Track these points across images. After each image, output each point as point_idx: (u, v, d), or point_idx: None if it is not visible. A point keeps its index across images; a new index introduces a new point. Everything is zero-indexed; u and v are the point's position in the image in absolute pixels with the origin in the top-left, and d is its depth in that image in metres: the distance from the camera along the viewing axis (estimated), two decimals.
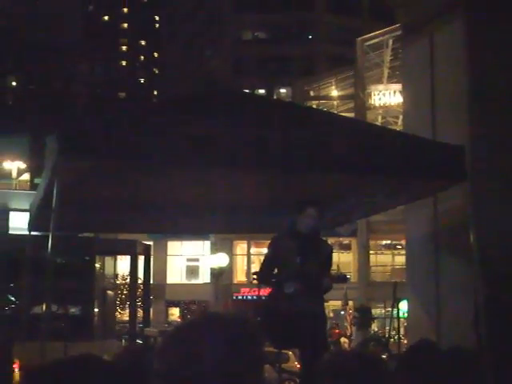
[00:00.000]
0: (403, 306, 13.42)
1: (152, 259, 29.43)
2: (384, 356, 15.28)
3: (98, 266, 29.14)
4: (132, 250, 25.71)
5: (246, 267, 51.33)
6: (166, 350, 1.91)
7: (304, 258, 7.60)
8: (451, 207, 9.41)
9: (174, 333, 1.94)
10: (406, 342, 15.25)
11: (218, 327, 1.89)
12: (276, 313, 7.50)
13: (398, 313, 11.66)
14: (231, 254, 47.62)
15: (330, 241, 8.44)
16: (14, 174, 44.74)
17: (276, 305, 7.61)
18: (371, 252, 45.99)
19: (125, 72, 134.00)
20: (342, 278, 8.21)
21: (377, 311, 42.34)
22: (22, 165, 45.54)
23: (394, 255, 46.42)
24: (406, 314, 15.01)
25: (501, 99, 9.62)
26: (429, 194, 9.47)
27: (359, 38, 46.44)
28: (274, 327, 7.24)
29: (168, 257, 52.54)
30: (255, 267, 46.78)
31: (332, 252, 8.17)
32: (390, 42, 42.46)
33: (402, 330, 13.78)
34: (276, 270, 7.85)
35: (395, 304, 11.51)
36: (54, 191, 6.72)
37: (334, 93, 53.06)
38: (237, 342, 1.87)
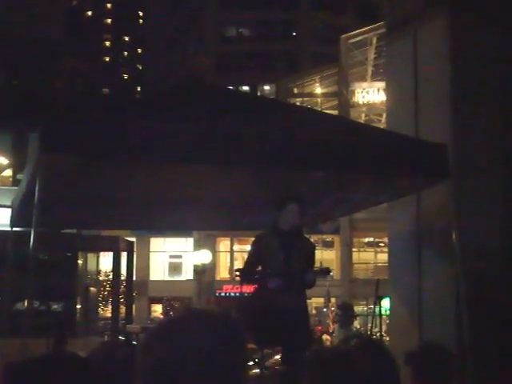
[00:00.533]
0: (385, 303, 13.44)
1: (135, 256, 29.37)
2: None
3: (80, 262, 29.04)
4: (115, 247, 25.62)
5: (228, 264, 51.37)
6: (149, 346, 1.90)
7: (287, 254, 7.62)
8: (434, 205, 9.43)
9: (158, 328, 1.93)
10: (388, 339, 15.29)
11: (202, 323, 1.88)
12: (260, 310, 7.51)
13: (380, 310, 11.67)
14: (214, 251, 47.64)
15: (313, 238, 8.47)
16: None
17: (259, 302, 7.62)
18: (354, 249, 46.09)
19: (108, 68, 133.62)
20: (325, 271, 8.24)
21: (359, 308, 42.38)
22: (5, 160, 45.30)
23: (376, 253, 46.56)
24: (388, 312, 15.05)
25: (485, 97, 9.65)
26: (411, 192, 9.50)
27: (343, 36, 46.50)
28: (258, 325, 7.24)
29: (151, 253, 52.50)
30: (238, 264, 46.79)
31: (315, 249, 8.20)
32: (374, 39, 42.55)
33: (384, 328, 13.81)
34: (260, 268, 7.86)
35: (377, 301, 11.53)
36: (36, 188, 6.69)
37: (318, 90, 53.11)
38: (220, 337, 1.87)
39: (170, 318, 1.99)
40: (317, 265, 8.27)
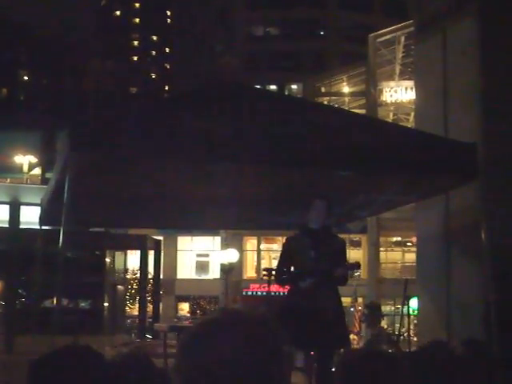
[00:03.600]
0: (413, 303, 13.40)
1: (162, 254, 29.49)
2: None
3: (108, 260, 29.21)
4: (142, 245, 25.79)
5: (255, 263, 51.34)
6: (187, 347, 1.89)
7: (317, 252, 7.64)
8: (463, 204, 9.38)
9: (196, 329, 1.92)
10: (416, 339, 15.22)
11: (241, 324, 1.87)
12: (294, 312, 7.51)
13: (408, 310, 11.64)
14: (241, 250, 47.60)
15: (340, 237, 8.43)
16: (26, 168, 44.82)
17: (293, 303, 7.64)
18: (381, 249, 45.87)
19: (136, 67, 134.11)
20: (356, 266, 8.27)
21: (386, 308, 42.22)
22: (34, 159, 45.63)
23: (404, 252, 46.33)
24: (415, 312, 14.98)
25: None
26: (440, 192, 9.44)
27: (371, 35, 46.30)
28: (293, 327, 7.21)
29: (178, 252, 52.59)
30: (265, 263, 46.78)
31: (345, 246, 8.22)
32: (402, 38, 42.32)
33: (411, 327, 13.77)
34: (292, 268, 7.88)
35: (405, 301, 11.48)
36: (66, 186, 6.73)
37: (346, 89, 52.95)
38: (259, 339, 1.85)
39: (208, 319, 1.97)
40: None
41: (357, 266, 8.31)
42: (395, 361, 3.00)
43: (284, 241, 8.21)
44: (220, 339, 1.83)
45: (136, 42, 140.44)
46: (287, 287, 7.98)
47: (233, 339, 1.82)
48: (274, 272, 8.00)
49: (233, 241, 44.82)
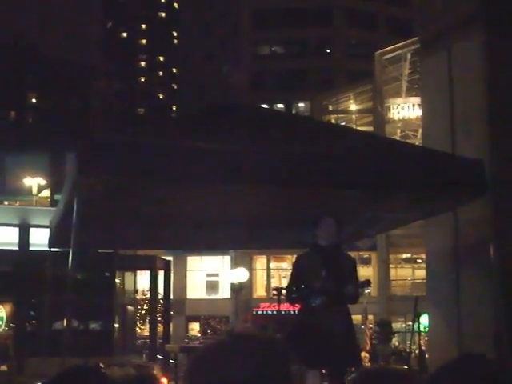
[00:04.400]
0: (424, 319, 13.35)
1: (172, 274, 29.46)
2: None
3: (118, 281, 29.22)
4: (152, 266, 25.80)
5: (265, 282, 51.22)
6: (193, 372, 1.90)
7: (328, 270, 7.63)
8: (472, 221, 9.36)
9: (201, 354, 1.92)
10: (427, 356, 15.17)
11: (246, 348, 1.87)
12: (304, 331, 7.50)
13: (418, 327, 11.60)
14: (251, 269, 47.56)
15: (351, 255, 8.44)
16: (35, 191, 44.93)
17: (304, 322, 7.63)
18: (391, 266, 45.77)
19: (144, 88, 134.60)
20: (366, 284, 8.24)
21: (397, 325, 42.07)
22: (43, 181, 45.74)
23: (414, 269, 46.16)
24: (426, 329, 14.93)
25: None
26: (449, 209, 9.42)
27: (377, 52, 46.42)
28: (304, 346, 7.20)
29: (188, 272, 52.53)
30: (275, 282, 46.71)
31: (356, 264, 8.21)
32: (409, 55, 42.42)
33: (422, 344, 13.71)
34: (303, 286, 7.86)
35: (416, 318, 11.44)
36: (74, 208, 6.75)
37: (353, 107, 53.03)
38: (265, 361, 1.86)
39: (213, 343, 1.98)
40: None
41: (367, 283, 8.30)
42: (409, 379, 2.99)
43: (294, 259, 8.20)
44: (227, 363, 1.83)
45: (143, 63, 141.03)
46: (298, 306, 7.98)
47: (240, 362, 1.82)
48: (283, 291, 8.00)
49: (242, 260, 44.81)
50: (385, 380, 2.91)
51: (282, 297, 8.00)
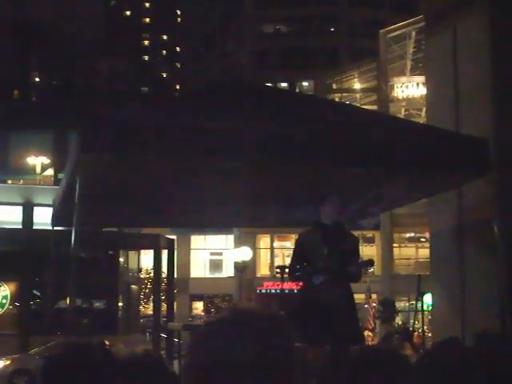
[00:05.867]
0: (427, 299, 13.36)
1: (175, 253, 29.50)
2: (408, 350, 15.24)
3: (121, 260, 29.29)
4: (155, 245, 25.83)
5: (269, 261, 51.32)
6: (195, 347, 1.89)
7: (330, 248, 7.63)
8: (476, 200, 9.33)
9: (204, 329, 1.92)
10: (430, 335, 15.19)
11: (249, 323, 1.86)
12: (307, 307, 7.52)
13: (422, 306, 11.62)
14: (254, 248, 47.61)
15: (353, 234, 8.42)
16: (38, 170, 44.99)
17: (306, 299, 7.63)
18: (395, 245, 45.77)
19: (147, 67, 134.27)
20: (369, 263, 8.23)
21: (401, 304, 42.15)
22: (46, 160, 45.77)
23: (417, 248, 46.19)
24: (430, 307, 14.95)
25: None
26: (452, 187, 9.40)
27: (382, 30, 46.20)
28: (306, 323, 7.21)
29: (191, 251, 52.64)
30: (278, 261, 46.77)
31: (358, 242, 8.21)
32: (413, 33, 42.21)
33: (425, 323, 13.72)
34: (305, 264, 7.86)
35: (419, 297, 11.45)
36: (77, 187, 6.73)
37: (357, 85, 52.85)
38: (268, 337, 1.85)
39: (216, 318, 1.97)
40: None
41: (370, 263, 8.28)
42: (406, 360, 2.98)
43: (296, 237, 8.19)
44: (229, 338, 1.83)
45: (146, 42, 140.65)
46: (300, 284, 7.98)
47: (241, 337, 1.82)
48: (287, 269, 7.99)
49: (246, 239, 44.84)
50: (374, 361, 2.90)
51: (286, 275, 8.00)
